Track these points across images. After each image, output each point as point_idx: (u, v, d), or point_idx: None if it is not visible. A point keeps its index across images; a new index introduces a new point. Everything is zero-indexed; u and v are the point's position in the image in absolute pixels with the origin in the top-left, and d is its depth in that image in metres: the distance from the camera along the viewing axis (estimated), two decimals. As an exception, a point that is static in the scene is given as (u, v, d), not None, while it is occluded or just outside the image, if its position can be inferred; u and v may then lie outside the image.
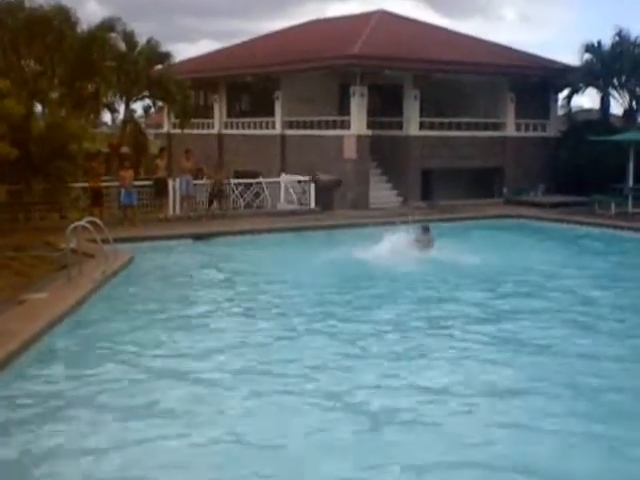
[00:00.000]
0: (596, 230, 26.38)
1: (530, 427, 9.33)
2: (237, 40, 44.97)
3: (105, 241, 17.62)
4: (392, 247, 19.81)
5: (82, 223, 17.10)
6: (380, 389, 10.71)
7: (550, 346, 12.79)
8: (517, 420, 9.58)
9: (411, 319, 14.57)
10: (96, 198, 25.63)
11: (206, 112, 40.88)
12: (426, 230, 21.20)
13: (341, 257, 19.89)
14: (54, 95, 28.60)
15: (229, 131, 39.16)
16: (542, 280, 18.43)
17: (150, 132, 44.31)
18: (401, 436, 9.09)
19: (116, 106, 35.16)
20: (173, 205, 27.91)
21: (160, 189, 27.59)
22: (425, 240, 20.85)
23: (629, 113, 35.65)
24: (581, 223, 27.37)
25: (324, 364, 11.71)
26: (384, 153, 32.69)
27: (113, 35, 30.57)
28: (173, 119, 38.57)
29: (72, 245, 16.85)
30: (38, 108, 28.54)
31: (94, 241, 17.55)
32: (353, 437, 9.04)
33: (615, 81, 35.40)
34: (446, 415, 9.75)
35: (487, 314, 15.11)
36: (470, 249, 20.70)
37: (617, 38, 35.14)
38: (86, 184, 25.84)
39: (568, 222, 27.75)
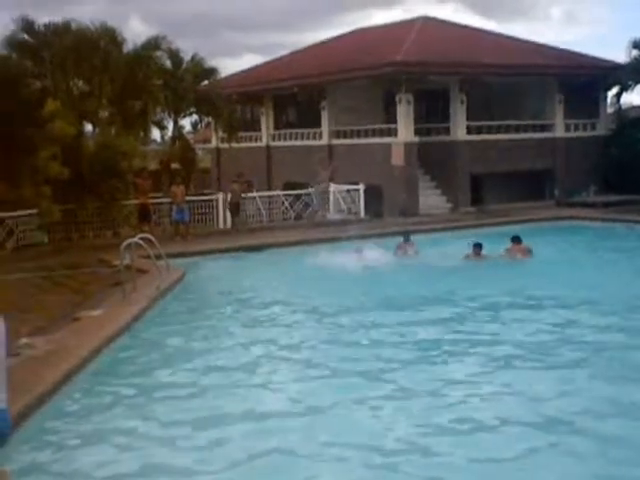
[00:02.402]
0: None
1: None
2: (281, 53, 45.07)
3: (158, 257, 17.74)
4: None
5: (135, 240, 17.23)
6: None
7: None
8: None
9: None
10: (144, 214, 25.88)
11: (253, 125, 41.10)
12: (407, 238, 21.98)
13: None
14: (103, 114, 28.95)
15: (277, 143, 39.33)
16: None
17: (199, 147, 44.61)
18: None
19: (165, 123, 35.43)
20: (224, 219, 28.15)
21: (233, 212, 27.89)
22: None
23: (680, 109, 35.07)
24: (636, 222, 26.91)
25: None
26: (432, 159, 32.49)
27: (159, 53, 30.87)
28: (221, 134, 38.82)
29: (126, 262, 16.98)
30: (88, 128, 28.95)
31: (147, 257, 17.69)
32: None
33: (665, 77, 34.87)
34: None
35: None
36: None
37: (666, 33, 34.62)
38: (136, 201, 26.16)
39: (622, 221, 27.31)
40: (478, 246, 20.74)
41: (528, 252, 20.97)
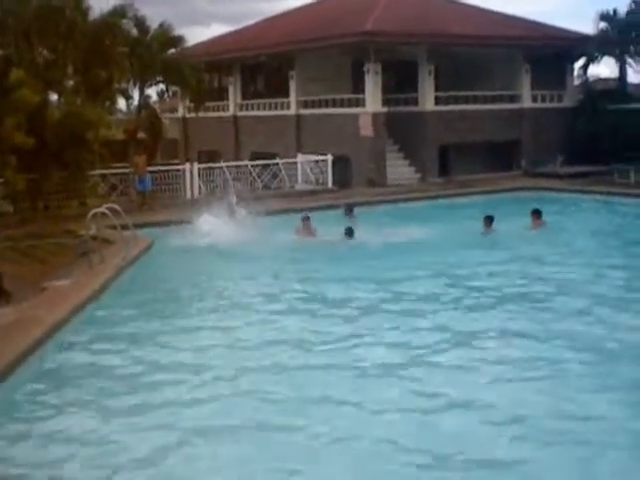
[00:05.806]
0: (616, 199, 26.18)
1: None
2: (249, 22, 44.73)
3: (124, 227, 17.62)
4: None
5: (101, 210, 17.09)
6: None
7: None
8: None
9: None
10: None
11: (221, 95, 40.81)
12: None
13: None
14: (69, 83, 28.58)
15: (244, 113, 39.11)
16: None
17: (165, 116, 44.27)
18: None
19: (130, 92, 34.97)
20: (191, 189, 28.04)
21: None
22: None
23: (646, 81, 35.33)
24: (602, 193, 27.13)
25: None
26: (401, 130, 32.51)
27: (125, 21, 30.44)
28: (188, 103, 38.52)
29: (92, 232, 16.87)
30: (53, 97, 28.58)
31: (114, 227, 17.57)
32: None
33: (632, 49, 35.03)
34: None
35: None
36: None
37: (633, 6, 34.74)
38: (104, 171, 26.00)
39: (589, 192, 27.52)
40: (489, 219, 20.37)
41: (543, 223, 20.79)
